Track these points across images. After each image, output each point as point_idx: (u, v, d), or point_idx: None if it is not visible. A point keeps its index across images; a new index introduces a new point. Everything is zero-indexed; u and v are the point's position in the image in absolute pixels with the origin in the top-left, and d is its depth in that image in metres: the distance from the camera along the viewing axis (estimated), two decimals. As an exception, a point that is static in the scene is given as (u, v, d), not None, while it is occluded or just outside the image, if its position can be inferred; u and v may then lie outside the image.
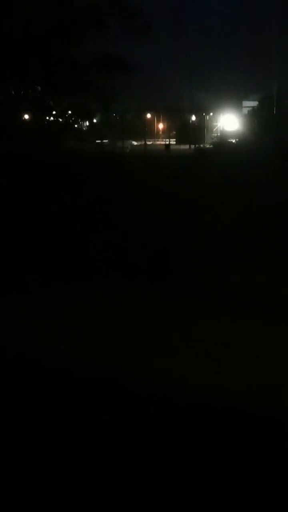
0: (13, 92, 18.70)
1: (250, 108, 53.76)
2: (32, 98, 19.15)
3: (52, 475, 2.82)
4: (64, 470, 2.86)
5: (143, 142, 48.87)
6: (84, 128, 46.27)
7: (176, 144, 55.51)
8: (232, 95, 57.23)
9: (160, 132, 68.12)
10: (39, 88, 19.24)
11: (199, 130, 54.10)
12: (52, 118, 22.55)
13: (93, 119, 47.54)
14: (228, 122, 54.37)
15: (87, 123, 48.26)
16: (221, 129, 54.86)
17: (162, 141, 58.64)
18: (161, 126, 68.96)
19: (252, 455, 2.95)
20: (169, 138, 60.16)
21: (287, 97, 43.00)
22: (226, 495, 2.67)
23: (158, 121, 68.33)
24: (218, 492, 2.69)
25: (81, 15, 16.95)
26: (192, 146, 42.65)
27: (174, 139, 61.23)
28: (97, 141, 40.42)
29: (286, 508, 2.62)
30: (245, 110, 56.58)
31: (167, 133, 64.62)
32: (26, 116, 19.96)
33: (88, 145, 27.05)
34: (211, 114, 60.79)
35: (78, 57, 17.43)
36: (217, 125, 59.30)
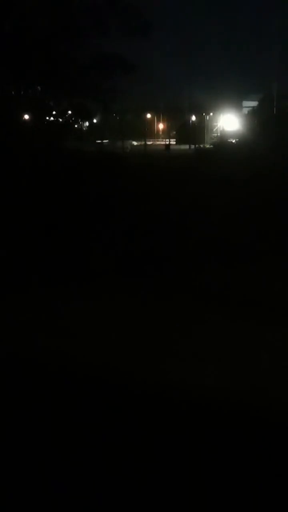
0: (13, 92, 18.68)
1: (250, 108, 53.84)
2: (32, 98, 19.13)
3: (52, 475, 2.82)
4: (64, 470, 2.86)
5: (143, 142, 48.91)
6: (84, 128, 46.32)
7: (176, 144, 55.54)
8: (232, 95, 57.37)
9: (160, 132, 68.19)
10: (39, 88, 19.21)
11: (199, 130, 54.13)
12: (52, 118, 22.54)
13: (93, 119, 47.62)
14: (228, 122, 54.41)
15: (87, 123, 48.32)
16: (221, 129, 54.89)
17: (162, 141, 58.67)
18: (161, 126, 69.04)
19: (252, 456, 2.94)
20: (169, 138, 60.19)
21: (287, 97, 43.08)
22: (226, 496, 2.67)
23: (158, 121, 68.41)
24: (217, 493, 2.69)
25: (81, 15, 16.93)
26: (192, 146, 42.67)
27: (174, 139, 61.27)
28: (97, 141, 40.49)
29: (286, 509, 2.62)
30: (245, 110, 56.66)
31: (167, 133, 64.67)
32: (26, 116, 19.95)
33: (88, 145, 27.06)
34: (211, 114, 60.85)
35: (78, 57, 17.40)
36: (217, 125, 59.35)
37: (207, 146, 38.56)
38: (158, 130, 68.75)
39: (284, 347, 4.39)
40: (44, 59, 15.91)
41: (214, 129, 58.41)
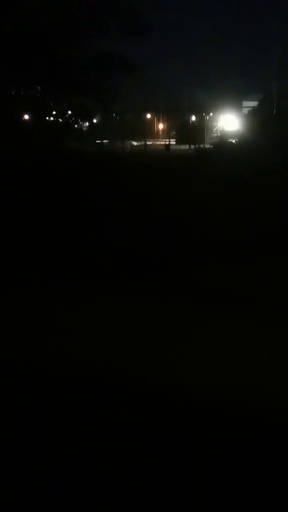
0: (13, 92, 18.70)
1: (250, 108, 53.84)
2: (32, 98, 19.15)
3: (52, 475, 2.82)
4: (64, 470, 2.86)
5: (143, 142, 48.94)
6: (84, 128, 46.37)
7: (176, 144, 55.57)
8: (232, 95, 57.40)
9: (160, 132, 68.21)
10: (39, 88, 19.24)
11: (199, 130, 54.15)
12: (52, 118, 22.56)
13: (93, 119, 47.67)
14: (228, 122, 54.41)
15: (87, 123, 48.37)
16: (221, 129, 54.89)
17: (162, 141, 58.68)
18: (161, 126, 69.05)
19: (252, 456, 2.95)
20: (169, 138, 60.20)
21: (287, 97, 43.08)
22: (226, 497, 2.67)
23: (158, 121, 68.42)
24: (217, 495, 2.69)
25: (81, 15, 16.94)
26: (192, 146, 42.69)
27: (174, 139, 61.29)
28: (97, 141, 40.51)
29: (287, 509, 2.62)
30: (245, 110, 56.68)
31: (167, 133, 64.69)
32: (26, 116, 19.97)
33: (88, 145, 27.07)
34: (211, 114, 60.87)
35: (78, 57, 17.41)
36: (217, 125, 59.36)
37: (207, 146, 38.59)
38: (158, 130, 68.76)
39: (284, 347, 4.39)
40: (44, 59, 15.92)
41: (214, 129, 58.43)
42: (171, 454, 2.99)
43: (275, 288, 5.93)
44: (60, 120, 23.11)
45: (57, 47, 16.56)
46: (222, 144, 30.20)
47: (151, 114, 62.68)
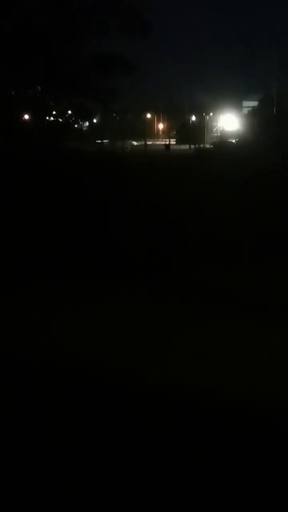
0: (13, 92, 18.71)
1: (250, 108, 53.88)
2: (32, 98, 19.16)
3: (52, 475, 2.82)
4: (64, 470, 2.86)
5: (143, 142, 48.93)
6: (84, 128, 46.42)
7: (176, 144, 55.58)
8: (232, 95, 57.47)
9: (160, 132, 68.20)
10: (39, 88, 19.24)
11: (199, 130, 54.15)
12: (52, 118, 22.58)
13: (93, 119, 47.71)
14: (228, 122, 54.44)
15: (87, 123, 48.42)
16: (221, 129, 54.92)
17: (162, 141, 58.66)
18: (161, 126, 69.05)
19: (252, 456, 2.95)
20: (169, 138, 60.19)
21: (287, 97, 43.10)
22: (226, 498, 2.67)
23: (158, 121, 68.43)
24: (217, 495, 2.69)
25: (81, 15, 16.93)
26: (192, 146, 42.71)
27: (174, 139, 61.30)
28: (97, 141, 40.55)
29: (287, 509, 2.62)
30: (245, 110, 56.72)
31: (167, 133, 64.68)
32: (26, 116, 19.98)
33: (88, 145, 27.09)
34: (211, 114, 60.87)
35: (78, 57, 17.40)
36: (217, 125, 59.39)
37: (207, 146, 38.61)
38: (158, 130, 68.75)
39: (284, 347, 4.39)
40: (44, 59, 15.91)
41: (214, 129, 58.46)
42: (171, 454, 2.99)
43: (275, 288, 5.93)
44: (60, 120, 23.13)
45: (57, 47, 16.54)
46: (222, 144, 30.22)
47: (151, 114, 62.69)
